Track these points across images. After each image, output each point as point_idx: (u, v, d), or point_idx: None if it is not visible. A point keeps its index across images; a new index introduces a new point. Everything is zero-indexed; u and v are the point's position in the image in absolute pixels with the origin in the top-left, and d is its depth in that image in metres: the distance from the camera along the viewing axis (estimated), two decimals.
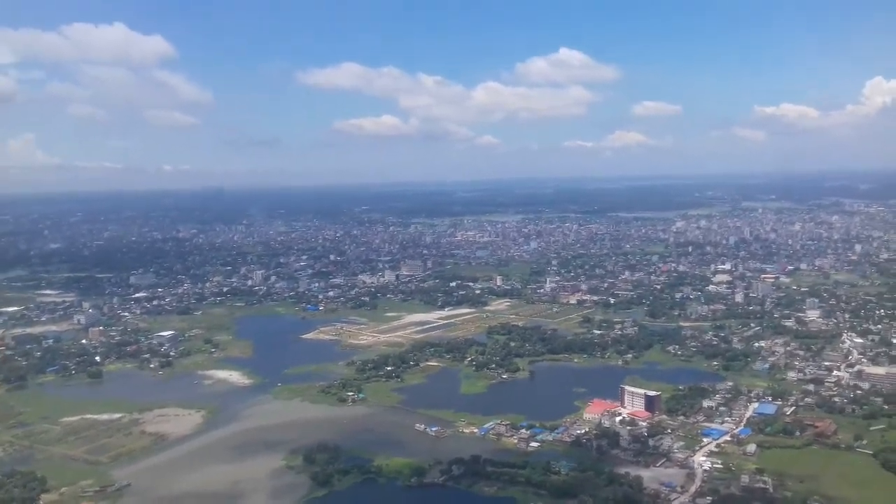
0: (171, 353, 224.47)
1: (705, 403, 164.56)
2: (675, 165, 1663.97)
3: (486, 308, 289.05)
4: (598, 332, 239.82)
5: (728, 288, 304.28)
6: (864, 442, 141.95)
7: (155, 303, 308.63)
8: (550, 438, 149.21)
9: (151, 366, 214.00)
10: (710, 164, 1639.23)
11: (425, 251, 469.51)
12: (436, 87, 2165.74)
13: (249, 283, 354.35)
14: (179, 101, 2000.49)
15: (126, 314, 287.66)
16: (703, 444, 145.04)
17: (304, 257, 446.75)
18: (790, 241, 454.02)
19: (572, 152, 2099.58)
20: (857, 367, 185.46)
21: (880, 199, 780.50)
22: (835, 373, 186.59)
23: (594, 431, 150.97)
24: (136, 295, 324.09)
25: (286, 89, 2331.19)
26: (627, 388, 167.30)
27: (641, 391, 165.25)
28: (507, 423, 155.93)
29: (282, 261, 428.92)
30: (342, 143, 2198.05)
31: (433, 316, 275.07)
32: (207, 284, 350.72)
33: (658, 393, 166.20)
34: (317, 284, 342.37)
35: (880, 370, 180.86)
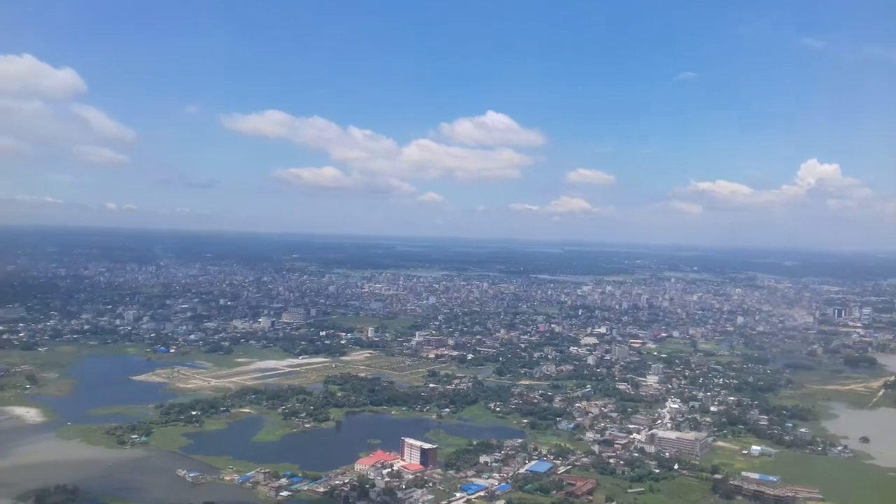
0: None
1: (482, 459, 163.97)
2: (617, 234, 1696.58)
3: (342, 358, 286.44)
4: (435, 385, 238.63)
5: (588, 350, 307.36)
6: (615, 503, 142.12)
7: (4, 336, 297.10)
8: (305, 488, 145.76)
9: None
10: (652, 235, 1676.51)
11: (321, 300, 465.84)
12: (366, 140, 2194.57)
13: (118, 322, 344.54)
14: (100, 136, 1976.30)
15: None
16: (454, 498, 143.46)
17: (196, 300, 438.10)
18: (679, 311, 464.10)
19: (519, 215, 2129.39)
20: (651, 431, 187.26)
21: (796, 276, 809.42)
22: (633, 435, 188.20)
23: (352, 483, 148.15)
24: None
25: (211, 132, 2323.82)
26: (407, 441, 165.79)
27: (419, 444, 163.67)
28: (268, 471, 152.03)
29: (167, 302, 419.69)
30: (284, 191, 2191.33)
31: (283, 363, 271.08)
32: (73, 322, 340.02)
33: (434, 447, 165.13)
34: (184, 327, 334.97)
35: (672, 435, 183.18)
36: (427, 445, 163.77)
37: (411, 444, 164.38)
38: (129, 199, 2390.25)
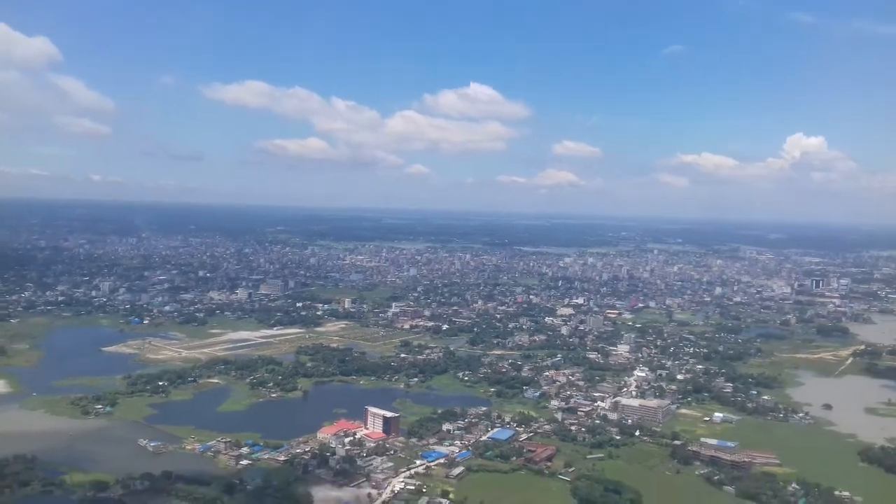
0: None
1: (445, 427, 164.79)
2: (604, 206, 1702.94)
3: (317, 329, 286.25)
4: (406, 356, 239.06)
5: (563, 321, 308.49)
6: (571, 469, 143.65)
7: None
8: (266, 457, 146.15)
9: None
10: (638, 208, 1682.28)
11: (302, 272, 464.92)
12: (349, 111, 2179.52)
13: (93, 294, 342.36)
14: (80, 107, 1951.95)
15: None
16: (414, 465, 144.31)
17: (174, 272, 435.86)
18: (659, 282, 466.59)
19: (506, 188, 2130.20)
20: (615, 399, 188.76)
21: (779, 248, 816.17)
22: (598, 403, 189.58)
23: (313, 451, 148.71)
24: None
25: (192, 103, 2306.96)
26: (370, 409, 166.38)
27: (382, 413, 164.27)
28: (229, 440, 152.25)
29: (145, 274, 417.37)
30: (269, 162, 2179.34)
31: (257, 334, 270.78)
32: (48, 293, 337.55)
33: (396, 415, 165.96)
34: (160, 299, 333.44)
35: (635, 402, 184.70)
36: (389, 414, 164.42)
37: (374, 413, 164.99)
38: (115, 172, 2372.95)
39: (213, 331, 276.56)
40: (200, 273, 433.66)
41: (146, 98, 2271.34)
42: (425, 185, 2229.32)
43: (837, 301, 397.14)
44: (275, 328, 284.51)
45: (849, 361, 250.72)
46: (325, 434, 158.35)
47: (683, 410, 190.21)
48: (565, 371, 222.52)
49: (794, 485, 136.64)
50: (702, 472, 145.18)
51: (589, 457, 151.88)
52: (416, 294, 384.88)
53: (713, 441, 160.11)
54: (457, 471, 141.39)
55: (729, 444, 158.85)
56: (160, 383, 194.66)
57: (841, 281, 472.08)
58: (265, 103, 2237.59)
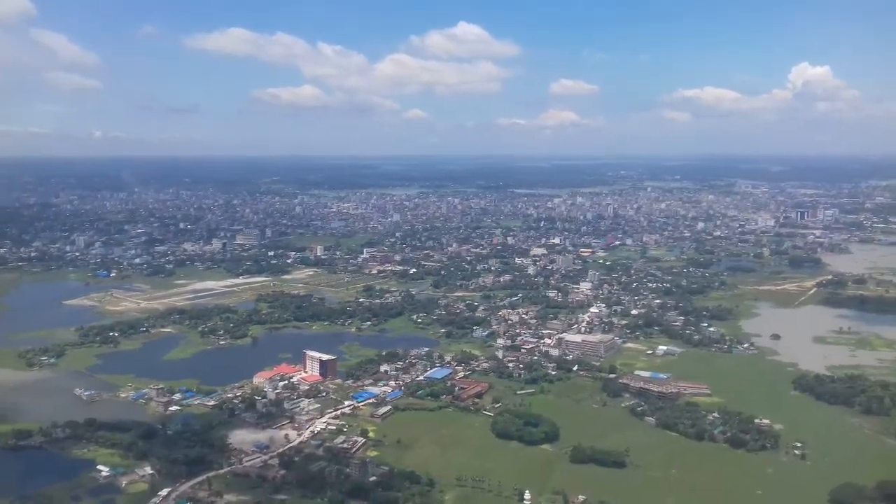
0: None
1: (383, 368, 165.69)
2: (607, 146, 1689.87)
3: (284, 277, 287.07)
4: (364, 300, 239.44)
5: (533, 261, 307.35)
6: (498, 405, 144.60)
7: None
8: (196, 402, 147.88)
9: None
10: (641, 146, 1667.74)
11: (285, 221, 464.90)
12: (337, 56, 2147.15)
13: (67, 249, 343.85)
14: (65, 62, 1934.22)
15: None
16: (342, 406, 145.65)
17: (156, 224, 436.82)
18: (642, 219, 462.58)
19: (508, 130, 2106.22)
20: (559, 336, 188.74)
21: (776, 181, 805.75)
22: (544, 340, 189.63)
23: (244, 396, 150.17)
24: None
25: (176, 54, 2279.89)
26: (308, 353, 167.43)
27: (318, 356, 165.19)
28: (163, 387, 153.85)
29: (126, 227, 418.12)
30: (265, 112, 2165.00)
31: (221, 284, 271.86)
32: (23, 249, 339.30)
33: (333, 358, 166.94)
34: (133, 251, 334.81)
35: (578, 338, 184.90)
36: (326, 357, 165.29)
37: (312, 357, 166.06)
38: (115, 128, 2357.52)
39: (179, 281, 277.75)
40: (182, 225, 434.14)
41: (128, 51, 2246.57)
42: (426, 130, 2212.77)
43: (818, 232, 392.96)
44: (241, 277, 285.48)
45: (811, 292, 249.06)
46: (260, 379, 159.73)
47: (629, 345, 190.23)
48: (520, 310, 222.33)
49: (714, 414, 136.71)
50: (628, 403, 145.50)
51: (519, 392, 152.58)
52: (393, 239, 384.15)
53: (646, 373, 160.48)
54: (383, 410, 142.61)
55: (661, 375, 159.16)
56: (111, 334, 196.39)
57: (827, 212, 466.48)
58: (250, 51, 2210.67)
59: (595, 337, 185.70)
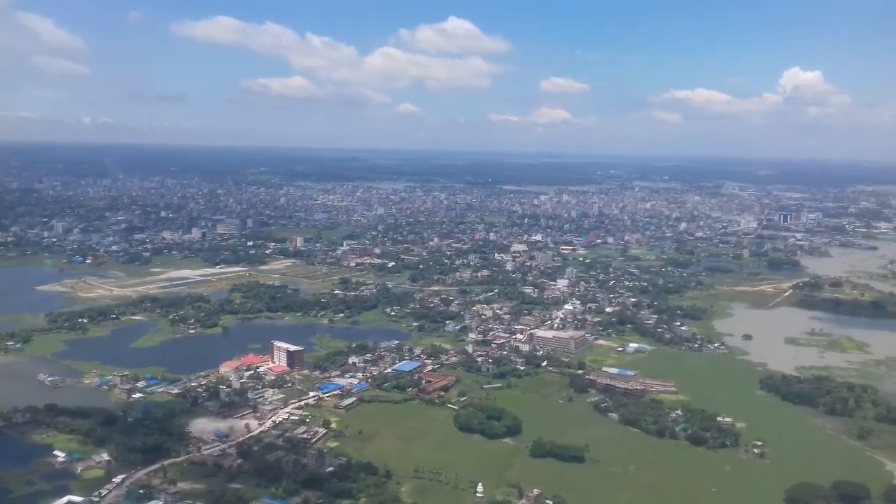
0: None
1: (351, 360, 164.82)
2: (599, 144, 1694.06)
3: (261, 267, 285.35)
4: (339, 292, 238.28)
5: (513, 257, 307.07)
6: (464, 399, 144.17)
7: None
8: (160, 390, 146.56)
9: None
10: (633, 146, 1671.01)
11: (268, 212, 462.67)
12: (325, 48, 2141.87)
13: (45, 234, 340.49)
14: (53, 46, 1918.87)
15: None
16: (307, 397, 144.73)
17: (138, 212, 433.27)
18: (626, 218, 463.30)
19: (500, 127, 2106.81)
20: (531, 331, 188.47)
21: (764, 183, 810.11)
22: (517, 335, 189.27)
23: (209, 384, 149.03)
24: None
25: (165, 41, 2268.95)
26: (276, 343, 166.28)
27: (286, 347, 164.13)
28: (127, 374, 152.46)
29: (107, 214, 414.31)
30: (256, 102, 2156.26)
31: (197, 273, 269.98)
32: (0, 234, 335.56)
33: (300, 349, 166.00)
34: (111, 238, 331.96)
35: (549, 334, 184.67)
36: (293, 348, 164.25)
37: (279, 347, 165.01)
38: (105, 114, 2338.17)
39: (155, 269, 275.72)
40: (163, 213, 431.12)
41: (115, 36, 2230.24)
42: (419, 124, 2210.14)
43: (800, 235, 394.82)
44: (217, 267, 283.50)
45: (787, 294, 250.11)
46: (226, 368, 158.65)
47: (601, 342, 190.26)
48: (495, 305, 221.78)
49: (677, 411, 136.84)
50: (593, 400, 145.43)
51: (486, 387, 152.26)
52: (374, 233, 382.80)
53: (613, 370, 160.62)
54: (347, 401, 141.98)
55: (629, 373, 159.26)
56: (80, 320, 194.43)
57: (809, 216, 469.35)
58: (239, 39, 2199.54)
59: (566, 333, 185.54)
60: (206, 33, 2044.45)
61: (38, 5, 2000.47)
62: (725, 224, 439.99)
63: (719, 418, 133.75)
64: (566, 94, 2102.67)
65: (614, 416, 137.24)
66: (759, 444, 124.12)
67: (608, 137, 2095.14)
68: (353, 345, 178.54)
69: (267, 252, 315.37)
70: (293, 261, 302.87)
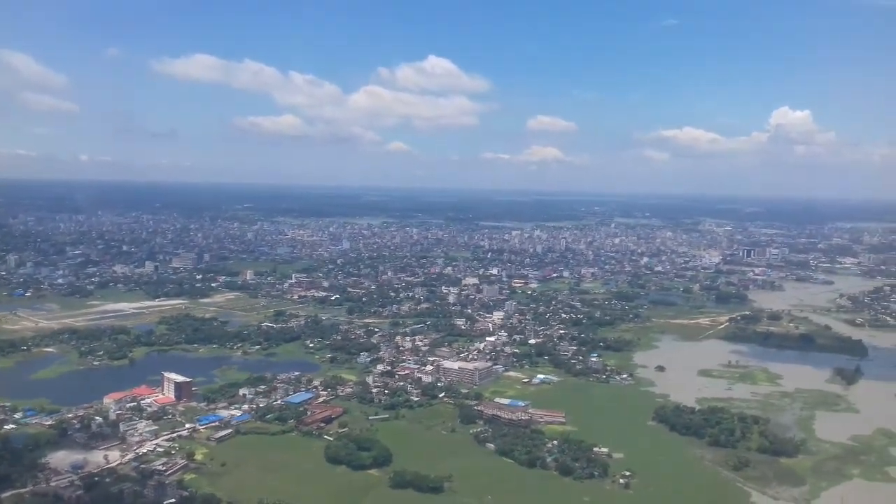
0: None
1: (241, 392, 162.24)
2: (591, 182, 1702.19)
3: (202, 300, 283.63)
4: (270, 325, 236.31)
5: (461, 290, 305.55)
6: (344, 430, 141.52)
7: None
8: (34, 422, 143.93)
9: None
10: (623, 184, 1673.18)
11: (232, 246, 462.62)
12: (308, 85, 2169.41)
13: None
14: (35, 84, 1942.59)
15: None
16: (181, 428, 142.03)
17: (100, 246, 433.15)
18: (590, 253, 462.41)
19: (493, 165, 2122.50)
20: (437, 363, 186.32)
21: (743, 221, 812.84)
22: (426, 367, 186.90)
23: (86, 416, 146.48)
24: None
25: (145, 78, 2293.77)
26: (166, 375, 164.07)
27: (175, 378, 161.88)
28: (6, 405, 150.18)
29: (66, 249, 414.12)
30: (248, 140, 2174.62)
31: (133, 306, 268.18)
32: None
33: (188, 380, 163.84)
34: (60, 272, 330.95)
35: (454, 365, 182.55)
36: (181, 379, 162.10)
37: (169, 379, 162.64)
38: (102, 152, 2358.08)
39: (93, 302, 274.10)
40: (125, 248, 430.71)
41: (96, 73, 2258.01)
42: (410, 163, 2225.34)
43: (758, 270, 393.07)
44: (157, 300, 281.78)
45: (721, 326, 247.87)
46: (109, 400, 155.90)
47: (511, 373, 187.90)
48: (417, 337, 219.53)
49: (554, 441, 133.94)
50: (476, 430, 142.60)
51: (372, 418, 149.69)
52: (331, 266, 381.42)
53: (505, 401, 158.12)
54: (222, 433, 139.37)
55: (520, 403, 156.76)
56: None
57: (773, 251, 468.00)
58: (218, 77, 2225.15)
59: (471, 364, 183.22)
60: (186, 70, 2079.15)
61: (11, 41, 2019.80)
62: (689, 259, 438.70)
63: (596, 448, 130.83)
64: (554, 133, 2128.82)
65: (491, 446, 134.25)
66: (627, 474, 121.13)
67: (600, 175, 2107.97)
68: (254, 376, 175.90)
69: (213, 285, 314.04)
70: (237, 294, 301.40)
